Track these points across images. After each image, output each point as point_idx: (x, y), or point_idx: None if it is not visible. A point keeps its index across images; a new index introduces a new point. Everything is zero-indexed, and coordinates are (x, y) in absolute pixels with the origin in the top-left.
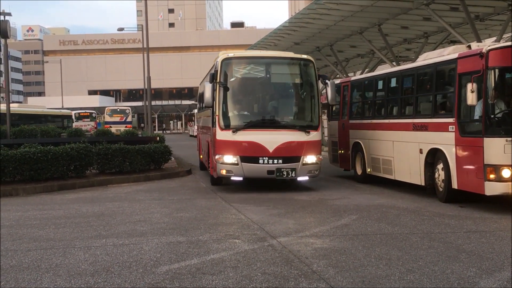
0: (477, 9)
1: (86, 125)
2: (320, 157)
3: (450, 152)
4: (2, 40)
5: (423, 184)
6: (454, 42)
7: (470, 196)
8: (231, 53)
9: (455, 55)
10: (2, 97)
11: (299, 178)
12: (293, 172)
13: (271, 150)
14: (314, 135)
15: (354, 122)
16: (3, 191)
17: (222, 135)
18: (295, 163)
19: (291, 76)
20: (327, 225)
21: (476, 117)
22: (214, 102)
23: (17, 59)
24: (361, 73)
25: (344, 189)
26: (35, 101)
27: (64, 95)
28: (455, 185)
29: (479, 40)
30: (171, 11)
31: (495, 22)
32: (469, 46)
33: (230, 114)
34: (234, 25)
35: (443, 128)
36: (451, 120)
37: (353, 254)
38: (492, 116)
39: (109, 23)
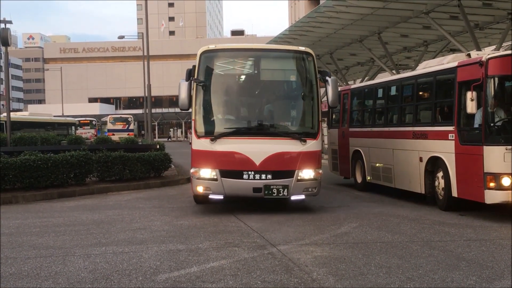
0: (477, 18)
1: (86, 133)
2: (320, 171)
3: (450, 160)
4: (3, 48)
5: (423, 192)
6: (453, 50)
7: (470, 205)
8: (212, 45)
9: (455, 64)
10: (3, 105)
11: (293, 197)
12: (285, 190)
13: (258, 163)
14: (312, 145)
15: (354, 130)
16: (3, 199)
17: (199, 144)
18: (287, 179)
19: (285, 72)
20: (327, 233)
21: (476, 125)
22: (191, 104)
23: (17, 66)
24: (361, 81)
25: (344, 197)
26: (35, 109)
27: (65, 103)
28: (455, 193)
29: (478, 49)
30: (171, 19)
31: (495, 31)
32: (468, 55)
33: (208, 118)
34: (235, 33)
35: (443, 136)
36: (451, 128)
37: (353, 262)
38: (492, 124)
39: (109, 31)
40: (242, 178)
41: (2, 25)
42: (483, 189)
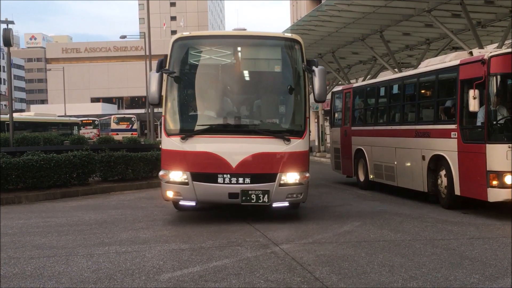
0: (479, 16)
1: (89, 133)
2: (307, 175)
3: (453, 159)
4: (5, 48)
5: (425, 190)
6: (456, 48)
7: (473, 203)
8: (187, 32)
9: (457, 62)
10: (5, 105)
11: (275, 204)
12: (266, 196)
13: (234, 165)
14: (297, 144)
15: (356, 129)
16: (6, 199)
17: (169, 143)
18: (268, 184)
19: (268, 62)
20: (330, 232)
21: (479, 123)
22: (161, 97)
23: (20, 67)
24: (363, 80)
25: (346, 195)
26: (38, 109)
27: (67, 103)
28: (457, 192)
29: (481, 47)
30: (173, 18)
31: (497, 29)
32: (471, 53)
33: (179, 114)
34: None
35: (445, 134)
36: (453, 126)
37: (355, 261)
38: (495, 122)
39: (111, 31)
40: (217, 182)
41: (4, 26)
42: (486, 187)
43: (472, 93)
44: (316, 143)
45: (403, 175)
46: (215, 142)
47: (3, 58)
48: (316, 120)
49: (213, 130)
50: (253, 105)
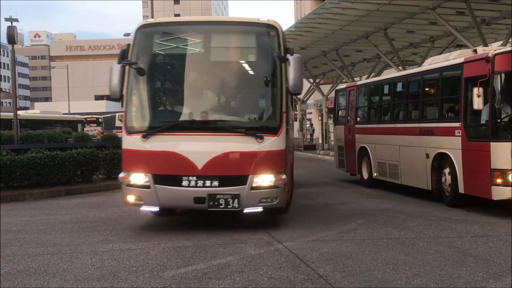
0: (483, 13)
1: (93, 130)
2: (283, 176)
3: (457, 157)
4: (9, 46)
5: (429, 188)
6: (460, 46)
7: (477, 201)
8: (152, 19)
9: (461, 60)
10: (9, 103)
11: (247, 210)
12: (236, 201)
13: (200, 166)
14: (271, 142)
15: (360, 127)
16: (10, 196)
17: (129, 142)
18: (238, 187)
19: (240, 51)
20: (334, 230)
21: (483, 121)
22: (123, 91)
23: (24, 64)
24: (367, 78)
25: (350, 193)
26: (42, 107)
27: (71, 100)
28: (461, 190)
29: (485, 45)
30: (177, 16)
31: (501, 26)
32: (475, 51)
33: (141, 109)
34: None
35: (449, 132)
36: (457, 124)
37: (359, 259)
38: (499, 120)
39: (115, 28)
40: (181, 185)
41: (8, 23)
42: (490, 185)
43: (476, 91)
44: (320, 141)
45: (407, 173)
46: (179, 141)
47: (8, 56)
48: (319, 117)
49: (177, 127)
50: (223, 99)
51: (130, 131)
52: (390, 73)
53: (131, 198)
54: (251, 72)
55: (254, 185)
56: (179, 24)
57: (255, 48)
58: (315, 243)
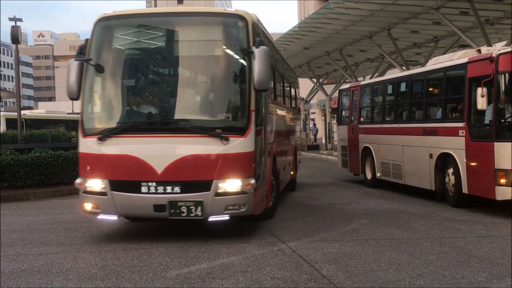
0: (487, 13)
1: None
2: (251, 181)
3: (460, 157)
4: (13, 46)
5: (433, 188)
6: (464, 46)
7: (480, 201)
8: (111, 11)
9: (465, 60)
10: (13, 102)
11: (211, 218)
12: (199, 208)
13: (160, 171)
14: (237, 144)
15: (363, 127)
16: (14, 196)
17: (86, 145)
18: (202, 193)
19: (205, 44)
20: (337, 230)
21: (487, 121)
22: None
23: (28, 64)
24: (371, 78)
25: (353, 193)
26: (45, 106)
27: (75, 100)
28: (465, 190)
29: (489, 44)
30: None
31: (505, 26)
32: (479, 51)
33: (98, 110)
34: None
35: (453, 132)
36: (461, 124)
37: (363, 259)
38: (503, 120)
39: None
40: (140, 192)
41: (12, 23)
42: (494, 186)
43: (480, 91)
44: (323, 141)
45: (411, 173)
46: (137, 143)
47: (11, 56)
48: (323, 117)
49: (135, 128)
50: (186, 98)
51: (86, 134)
52: (393, 73)
53: (88, 206)
54: (217, 68)
55: (219, 191)
56: (141, 16)
57: (222, 41)
58: (318, 243)
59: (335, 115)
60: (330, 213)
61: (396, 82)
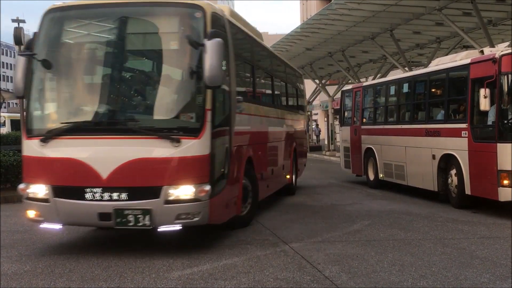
0: (490, 14)
1: None
2: (206, 188)
3: (463, 158)
4: (16, 47)
5: (436, 189)
6: (467, 47)
7: (483, 202)
8: (61, 2)
9: (468, 61)
10: (16, 103)
11: (161, 228)
12: (147, 217)
13: (105, 176)
14: (190, 146)
15: (366, 128)
16: (17, 197)
17: (29, 147)
18: (150, 200)
19: (159, 38)
20: (339, 231)
21: (489, 122)
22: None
23: None
24: (373, 79)
25: (356, 194)
26: None
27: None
28: (468, 191)
29: (492, 45)
30: None
31: (508, 27)
32: (481, 52)
33: (42, 109)
34: None
35: (456, 133)
36: (464, 125)
37: (365, 260)
38: (505, 121)
39: None
40: (84, 199)
41: (15, 24)
42: (497, 187)
43: (483, 92)
44: (326, 142)
45: (413, 174)
46: (82, 145)
47: (14, 57)
48: (325, 118)
49: (80, 129)
50: (136, 96)
51: (29, 135)
52: (396, 74)
53: (31, 214)
54: (170, 63)
55: (169, 198)
56: (92, 7)
57: (175, 33)
58: (321, 244)
59: (338, 116)
60: (333, 214)
61: (398, 83)
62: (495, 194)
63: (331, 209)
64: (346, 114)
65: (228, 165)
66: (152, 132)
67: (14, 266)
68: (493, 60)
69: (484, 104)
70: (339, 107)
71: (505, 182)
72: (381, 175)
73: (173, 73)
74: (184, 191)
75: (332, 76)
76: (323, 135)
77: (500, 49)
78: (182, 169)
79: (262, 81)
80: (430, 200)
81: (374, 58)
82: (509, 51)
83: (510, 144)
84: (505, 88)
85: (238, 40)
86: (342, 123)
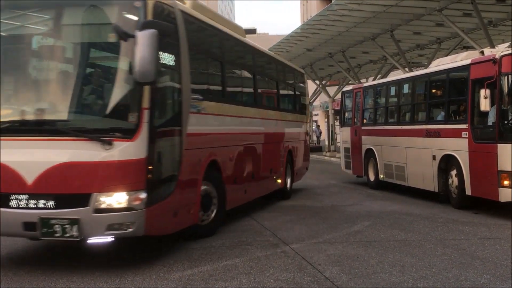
0: (490, 15)
1: None
2: (142, 195)
3: (464, 158)
4: None
5: (436, 190)
6: (467, 48)
7: (484, 203)
8: None
9: (468, 61)
10: None
11: (91, 240)
12: (75, 228)
13: (30, 181)
14: (123, 149)
15: (366, 128)
16: None
17: None
18: (78, 209)
19: (93, 29)
20: (340, 232)
21: (490, 123)
22: None
23: None
24: (374, 79)
25: (356, 195)
26: None
27: None
28: (468, 192)
29: (492, 46)
30: None
31: (508, 28)
32: (482, 52)
33: None
34: (246, 31)
35: (456, 134)
36: (464, 126)
37: (366, 261)
38: (506, 122)
39: None
40: (8, 206)
41: None
42: (497, 187)
43: (483, 92)
44: (326, 143)
45: (414, 174)
46: (5, 148)
47: None
48: (326, 119)
49: (3, 129)
50: (66, 93)
51: None
52: (396, 75)
53: None
54: (105, 57)
55: (99, 206)
56: None
57: (111, 25)
58: (321, 245)
59: (338, 117)
60: (333, 215)
61: (399, 83)
62: (495, 195)
63: (332, 210)
64: (346, 114)
65: (178, 170)
66: (81, 133)
67: (15, 267)
68: (494, 60)
69: (485, 104)
70: (339, 107)
71: (506, 182)
72: (382, 176)
73: (108, 68)
74: (116, 199)
75: (332, 76)
76: (324, 135)
77: (500, 49)
78: (114, 175)
79: (237, 78)
80: (430, 201)
81: (374, 59)
82: (509, 51)
83: (510, 144)
84: (505, 88)
85: (199, 33)
86: (342, 124)
